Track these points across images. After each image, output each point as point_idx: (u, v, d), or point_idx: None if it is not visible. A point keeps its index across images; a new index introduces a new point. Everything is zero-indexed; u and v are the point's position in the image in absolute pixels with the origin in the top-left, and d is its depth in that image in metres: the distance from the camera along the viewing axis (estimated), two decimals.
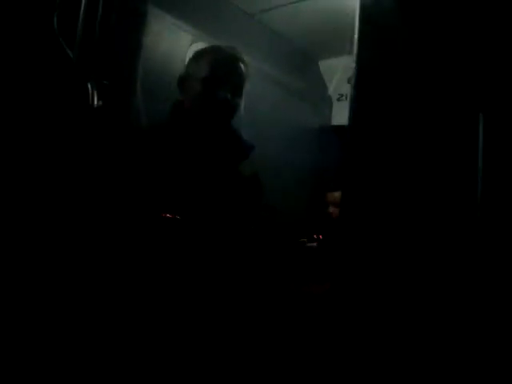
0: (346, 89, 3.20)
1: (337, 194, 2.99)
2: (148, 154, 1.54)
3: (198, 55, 1.68)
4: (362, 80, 1.36)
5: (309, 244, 2.14)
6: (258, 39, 2.87)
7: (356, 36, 1.36)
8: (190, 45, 2.47)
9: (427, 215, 1.38)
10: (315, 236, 2.11)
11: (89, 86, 1.76)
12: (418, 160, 1.37)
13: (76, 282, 1.39)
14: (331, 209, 2.97)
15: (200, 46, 2.48)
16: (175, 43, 2.42)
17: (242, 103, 1.66)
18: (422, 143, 1.38)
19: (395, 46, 1.37)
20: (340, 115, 3.28)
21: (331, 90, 3.34)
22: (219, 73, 1.60)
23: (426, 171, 1.38)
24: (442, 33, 1.39)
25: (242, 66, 1.66)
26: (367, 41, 1.37)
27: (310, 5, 2.74)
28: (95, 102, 1.78)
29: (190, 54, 1.96)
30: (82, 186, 1.53)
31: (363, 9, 1.36)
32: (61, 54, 1.88)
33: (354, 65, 1.33)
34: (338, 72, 3.27)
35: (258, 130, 2.68)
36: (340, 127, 3.15)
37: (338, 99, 3.35)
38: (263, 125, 2.77)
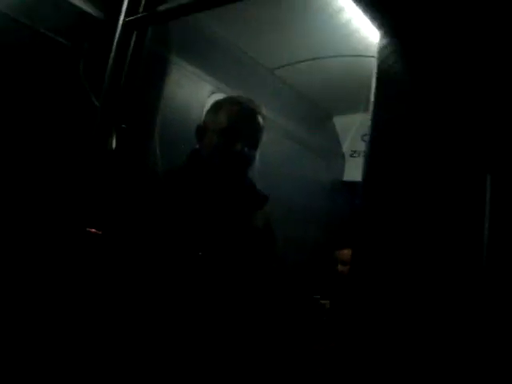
0: (360, 146, 3.25)
1: (346, 252, 3.00)
2: (163, 199, 1.55)
3: (217, 106, 1.70)
4: (377, 138, 1.39)
5: (322, 301, 2.12)
6: (275, 94, 2.94)
7: (372, 94, 1.39)
8: (209, 95, 2.53)
9: (436, 276, 1.39)
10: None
11: (112, 130, 1.81)
12: (429, 219, 1.39)
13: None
14: (340, 267, 2.97)
15: (219, 96, 2.54)
16: (195, 92, 2.48)
17: (257, 155, 1.68)
18: (433, 202, 1.40)
19: (410, 106, 1.40)
20: (353, 171, 3.31)
21: (345, 146, 3.39)
22: (237, 125, 1.61)
23: (436, 231, 1.39)
24: (454, 96, 1.42)
25: (259, 118, 1.67)
26: (383, 100, 1.40)
27: (326, 62, 2.82)
28: (113, 145, 1.82)
29: (208, 104, 2.00)
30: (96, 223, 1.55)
31: (380, 70, 1.40)
32: (86, 101, 1.94)
33: (369, 123, 1.36)
34: (353, 129, 3.32)
35: (272, 182, 2.71)
36: (352, 183, 3.18)
37: (351, 155, 3.39)
38: (277, 177, 2.79)
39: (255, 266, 1.64)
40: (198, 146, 1.70)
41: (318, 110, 3.30)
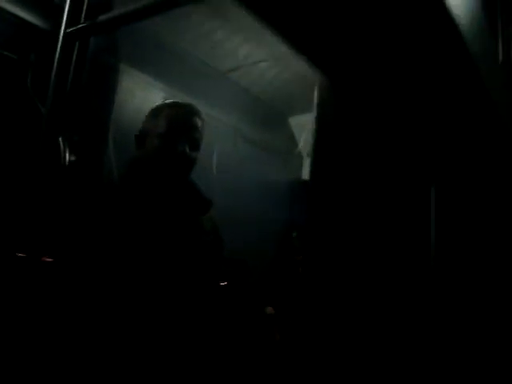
0: None
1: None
2: (109, 210, 1.57)
3: (155, 111, 1.73)
4: (321, 140, 1.42)
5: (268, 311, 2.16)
6: (229, 96, 2.95)
7: (316, 98, 1.43)
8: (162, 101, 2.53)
9: (386, 272, 1.44)
10: None
11: (60, 141, 1.80)
12: (377, 220, 1.43)
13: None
14: (298, 257, 3.00)
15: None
16: (147, 100, 2.47)
17: (198, 157, 1.71)
18: (380, 204, 1.45)
19: (354, 112, 1.45)
20: None
21: (301, 145, 3.43)
22: (176, 127, 1.65)
23: (384, 234, 1.45)
24: (397, 108, 1.48)
25: (198, 120, 1.72)
26: (326, 104, 1.44)
27: (278, 65, 2.84)
28: (66, 158, 1.81)
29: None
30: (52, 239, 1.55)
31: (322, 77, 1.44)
32: (34, 111, 1.92)
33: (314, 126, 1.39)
34: (308, 128, 3.36)
35: (229, 185, 2.73)
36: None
37: (309, 154, 3.43)
38: (235, 180, 2.81)
39: (204, 270, 1.66)
40: (138, 154, 1.73)
41: (272, 111, 3.33)
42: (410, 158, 1.49)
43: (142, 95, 2.47)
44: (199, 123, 1.70)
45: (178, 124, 1.65)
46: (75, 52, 1.78)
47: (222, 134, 2.92)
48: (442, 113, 1.54)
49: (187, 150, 1.63)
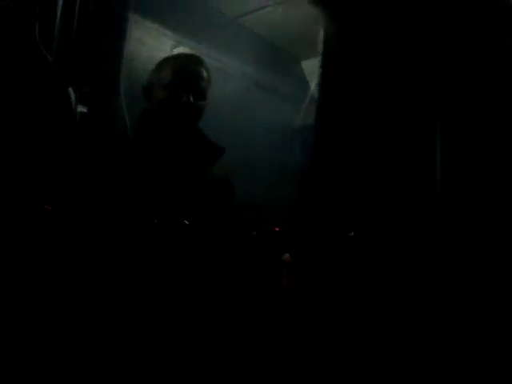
0: None
1: None
2: (122, 161, 1.60)
3: (160, 64, 1.77)
4: (328, 83, 1.42)
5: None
6: (240, 42, 2.92)
7: (322, 41, 1.42)
8: (172, 50, 2.52)
9: (393, 211, 1.45)
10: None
11: (70, 92, 1.81)
12: (382, 159, 1.44)
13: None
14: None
15: (182, 50, 2.53)
16: (157, 49, 2.46)
17: (206, 105, 1.72)
18: (386, 144, 1.45)
19: (359, 53, 1.44)
20: None
21: (313, 89, 3.39)
22: (180, 78, 1.68)
23: (390, 171, 1.45)
24: (404, 45, 1.46)
25: (202, 70, 1.74)
26: (332, 46, 1.43)
27: (289, 8, 2.79)
28: (78, 109, 1.82)
29: None
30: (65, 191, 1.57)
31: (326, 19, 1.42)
32: (43, 61, 1.93)
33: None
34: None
35: (243, 131, 2.73)
36: None
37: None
38: (248, 127, 2.81)
39: (215, 218, 1.69)
40: (146, 107, 1.76)
41: (284, 55, 3.29)
42: (416, 95, 1.48)
43: (152, 44, 2.46)
44: (204, 73, 1.72)
45: (182, 75, 1.69)
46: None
47: (233, 80, 2.90)
48: (449, 49, 1.51)
49: (191, 99, 1.65)
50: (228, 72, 2.86)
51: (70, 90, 1.80)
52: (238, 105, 2.87)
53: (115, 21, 2.23)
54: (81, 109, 1.83)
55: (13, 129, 1.81)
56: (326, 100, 1.42)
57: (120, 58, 2.27)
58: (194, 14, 2.67)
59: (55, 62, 1.79)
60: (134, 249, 1.51)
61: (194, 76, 1.71)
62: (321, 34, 1.62)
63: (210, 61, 1.96)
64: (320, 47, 1.75)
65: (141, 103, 2.01)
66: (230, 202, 1.82)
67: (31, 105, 1.90)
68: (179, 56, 1.79)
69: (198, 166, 1.72)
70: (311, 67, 3.40)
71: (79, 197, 1.53)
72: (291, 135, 3.10)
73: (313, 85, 3.35)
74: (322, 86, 1.42)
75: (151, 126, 1.71)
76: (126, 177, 1.57)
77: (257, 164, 2.67)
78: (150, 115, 1.73)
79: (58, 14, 1.77)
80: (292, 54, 3.33)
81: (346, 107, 1.40)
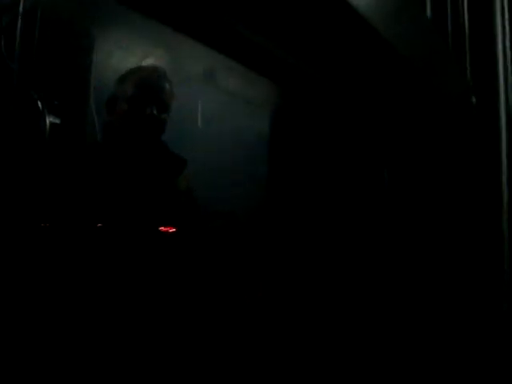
0: None
1: None
2: (91, 174, 1.61)
3: (122, 77, 1.77)
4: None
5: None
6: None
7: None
8: (141, 61, 2.53)
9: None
10: None
11: (39, 106, 1.82)
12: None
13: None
14: None
15: (151, 61, 2.54)
16: (125, 59, 2.47)
17: (168, 119, 1.74)
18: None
19: None
20: None
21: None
22: (143, 90, 1.69)
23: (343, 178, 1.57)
24: None
25: (165, 82, 1.75)
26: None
27: None
28: (47, 122, 1.83)
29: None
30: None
31: None
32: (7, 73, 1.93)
33: None
34: None
35: (216, 138, 2.75)
36: None
37: None
38: (220, 133, 2.83)
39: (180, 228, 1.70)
40: (108, 120, 1.77)
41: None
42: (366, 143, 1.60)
43: (119, 55, 2.46)
44: (166, 85, 1.74)
45: (145, 87, 1.70)
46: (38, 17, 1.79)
47: (205, 90, 2.91)
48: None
49: (155, 111, 1.67)
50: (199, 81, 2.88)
51: (39, 102, 1.81)
52: (208, 112, 2.89)
53: (80, 36, 2.24)
54: (50, 120, 1.84)
55: None
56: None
57: (88, 70, 2.29)
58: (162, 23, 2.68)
59: (19, 75, 1.79)
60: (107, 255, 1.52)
61: (157, 88, 1.72)
62: None
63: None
64: None
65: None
66: (195, 212, 1.83)
67: None
68: (141, 68, 1.81)
69: (161, 178, 1.74)
70: None
71: (47, 206, 1.54)
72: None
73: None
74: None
75: (114, 139, 1.72)
76: (91, 188, 1.58)
77: (228, 171, 2.69)
78: (112, 128, 1.74)
79: (18, 27, 1.78)
80: None
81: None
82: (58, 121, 1.86)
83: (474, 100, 1.89)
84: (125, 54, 2.48)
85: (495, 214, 1.83)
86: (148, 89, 1.70)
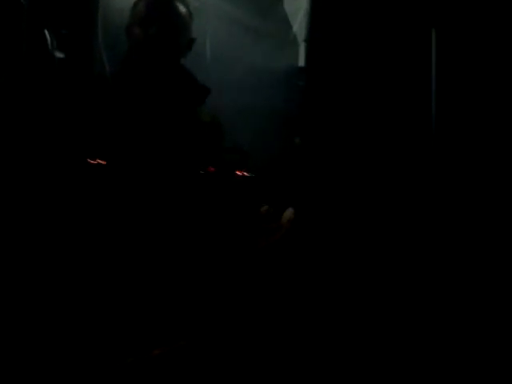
0: None
1: None
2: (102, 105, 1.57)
3: (136, 2, 1.72)
4: (317, 21, 1.38)
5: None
6: None
7: None
8: None
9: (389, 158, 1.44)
10: None
11: (46, 34, 1.76)
12: (375, 105, 1.42)
13: None
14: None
15: None
16: None
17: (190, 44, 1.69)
18: (379, 89, 1.43)
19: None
20: None
21: (296, 30, 3.29)
22: (152, 13, 1.64)
23: (383, 119, 1.44)
24: None
25: (178, 4, 1.69)
26: None
27: None
28: (55, 52, 1.77)
29: None
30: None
31: None
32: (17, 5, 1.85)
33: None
34: (303, 11, 3.22)
35: (226, 73, 2.68)
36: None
37: (305, 40, 3.30)
38: (230, 68, 2.76)
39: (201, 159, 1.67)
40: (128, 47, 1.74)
41: None
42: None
43: None
44: (180, 8, 1.67)
45: (154, 9, 1.65)
46: None
47: (215, 22, 2.82)
48: None
49: (165, 34, 1.62)
50: (209, 12, 2.78)
51: (46, 32, 1.76)
52: (219, 46, 2.81)
53: None
54: (58, 54, 1.79)
55: None
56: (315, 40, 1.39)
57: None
58: None
59: (29, 5, 1.72)
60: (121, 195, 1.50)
61: (167, 10, 1.67)
62: None
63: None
64: None
65: (119, 46, 1.96)
66: (219, 143, 1.80)
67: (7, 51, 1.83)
68: None
69: (183, 106, 1.69)
70: (293, 7, 3.31)
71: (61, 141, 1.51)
72: (281, 78, 3.04)
73: (295, 26, 3.28)
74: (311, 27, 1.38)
75: (131, 66, 1.69)
76: (106, 121, 1.54)
77: (243, 108, 2.63)
78: (128, 54, 1.71)
79: None
80: None
81: (339, 51, 1.37)
82: (62, 55, 1.82)
83: None
84: None
85: None
86: (157, 10, 1.66)
